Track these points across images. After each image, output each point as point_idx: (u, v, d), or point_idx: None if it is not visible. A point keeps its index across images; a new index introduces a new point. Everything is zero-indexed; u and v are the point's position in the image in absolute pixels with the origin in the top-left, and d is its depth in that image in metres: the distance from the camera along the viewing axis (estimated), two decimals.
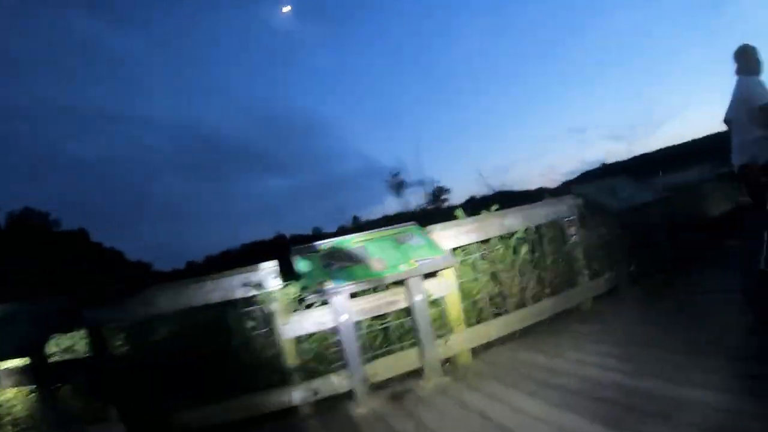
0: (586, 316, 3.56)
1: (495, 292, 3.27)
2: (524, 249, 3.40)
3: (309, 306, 2.68)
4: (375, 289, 2.78)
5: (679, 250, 4.79)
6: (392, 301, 2.80)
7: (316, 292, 2.48)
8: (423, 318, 2.77)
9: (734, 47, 3.41)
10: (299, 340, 2.71)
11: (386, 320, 3.01)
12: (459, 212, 3.36)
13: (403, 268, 2.60)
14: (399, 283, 2.74)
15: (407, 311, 2.83)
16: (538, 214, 3.55)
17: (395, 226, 3.08)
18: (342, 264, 2.68)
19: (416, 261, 2.68)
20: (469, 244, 3.21)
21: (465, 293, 3.14)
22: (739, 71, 3.38)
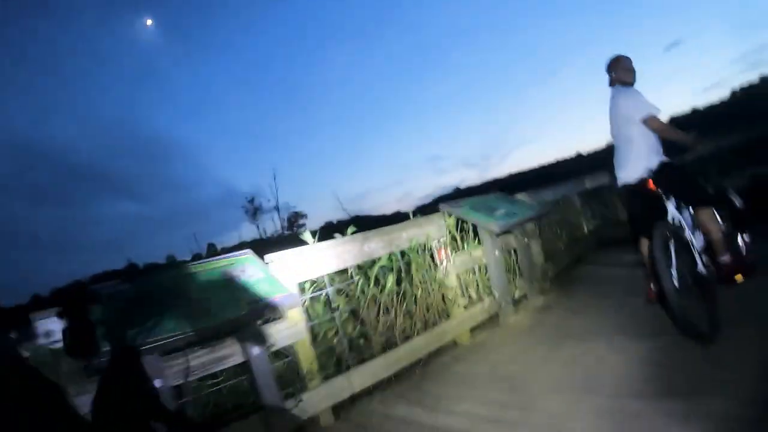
0: (465, 352, 3.72)
1: (356, 334, 3.23)
2: (390, 279, 3.44)
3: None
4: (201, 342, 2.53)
5: (560, 270, 5.40)
6: (223, 356, 2.59)
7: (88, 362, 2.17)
8: (264, 375, 2.61)
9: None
10: None
11: (220, 380, 2.77)
12: (307, 235, 3.26)
13: (231, 314, 2.40)
14: (232, 331, 2.53)
15: (246, 366, 2.62)
16: (404, 237, 3.64)
17: (225, 256, 2.88)
18: (150, 311, 2.39)
19: (250, 302, 2.49)
20: (321, 276, 3.13)
21: (319, 338, 3.04)
22: (613, 82, 3.67)
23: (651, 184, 3.24)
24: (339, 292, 3.27)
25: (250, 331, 2.59)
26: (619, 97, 3.49)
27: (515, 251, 4.83)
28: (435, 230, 3.94)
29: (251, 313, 2.50)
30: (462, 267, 4.07)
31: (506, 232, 4.23)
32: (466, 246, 4.26)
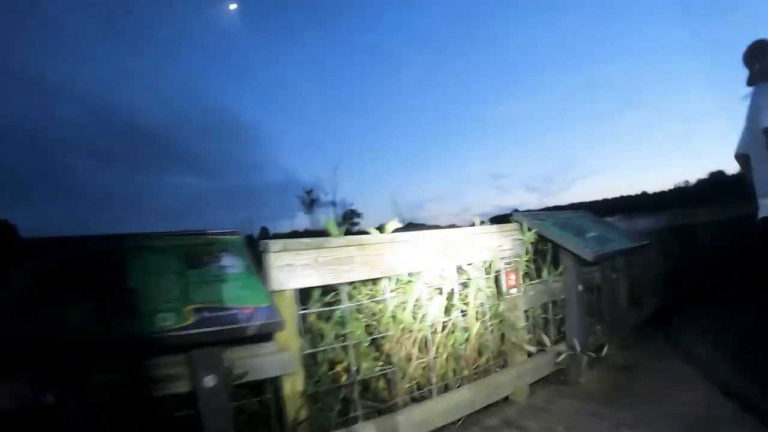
0: (520, 416, 2.70)
1: (376, 372, 2.24)
2: (437, 302, 2.43)
3: None
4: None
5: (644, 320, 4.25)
6: (165, 376, 1.64)
7: None
8: (217, 417, 1.64)
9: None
10: None
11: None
12: (330, 224, 2.27)
13: (168, 323, 1.44)
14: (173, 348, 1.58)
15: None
16: (465, 247, 2.62)
17: (209, 231, 1.95)
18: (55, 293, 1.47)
19: (197, 309, 1.52)
20: (340, 284, 2.16)
21: (320, 370, 2.08)
22: (756, 78, 2.68)
23: None
24: (359, 311, 2.28)
25: (200, 354, 1.64)
26: (762, 96, 2.51)
27: (598, 289, 3.74)
28: (507, 246, 2.89)
29: (200, 331, 1.53)
30: (534, 300, 2.99)
31: (594, 262, 3.13)
32: (544, 273, 3.17)
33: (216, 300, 1.57)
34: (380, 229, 2.52)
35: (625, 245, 3.51)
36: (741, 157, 2.87)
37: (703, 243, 6.02)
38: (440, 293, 2.48)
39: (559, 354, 3.04)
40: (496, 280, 2.78)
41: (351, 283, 2.24)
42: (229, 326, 1.52)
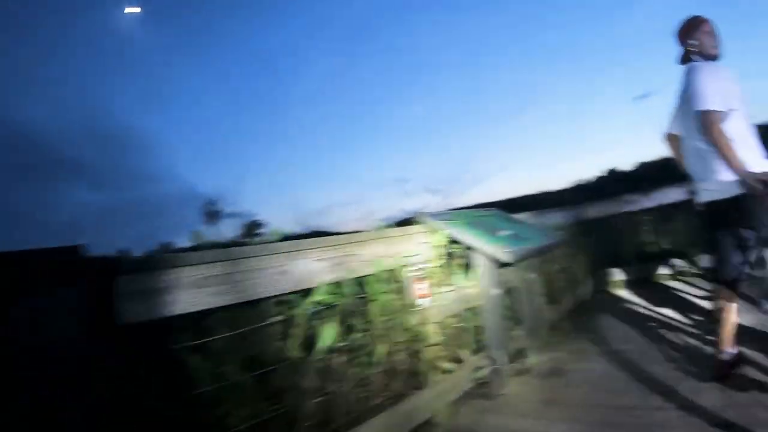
0: None
1: (266, 416, 1.84)
2: (328, 330, 2.06)
3: None
4: None
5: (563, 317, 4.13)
6: None
7: None
8: None
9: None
10: None
11: None
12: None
13: None
14: None
15: None
16: (363, 255, 2.29)
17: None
18: None
19: None
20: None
21: None
22: (687, 56, 2.61)
23: None
24: (235, 344, 1.86)
25: None
26: (694, 74, 2.41)
27: (515, 290, 3.54)
28: (413, 251, 2.58)
29: None
30: (448, 309, 2.70)
31: (510, 263, 2.91)
32: (457, 279, 2.89)
33: None
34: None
35: (541, 243, 3.34)
36: (671, 138, 2.78)
37: (617, 234, 6.12)
38: (336, 313, 2.11)
39: (478, 368, 2.78)
40: (404, 290, 2.46)
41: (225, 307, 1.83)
42: None
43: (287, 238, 2.22)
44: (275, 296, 1.92)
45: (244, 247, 1.89)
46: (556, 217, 4.73)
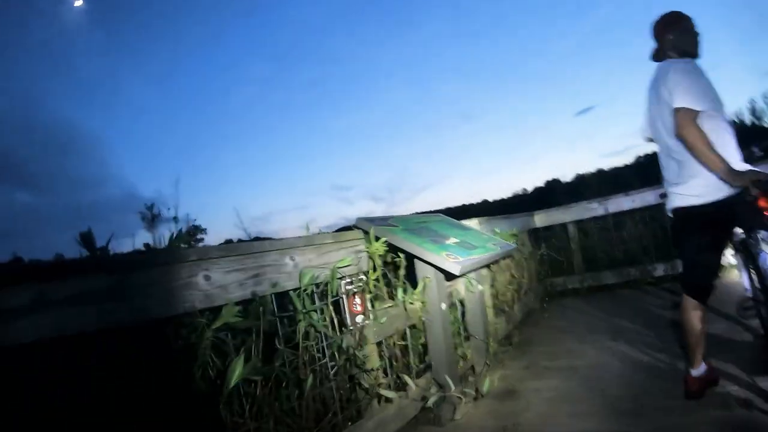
0: None
1: None
2: (237, 364, 1.69)
3: None
4: None
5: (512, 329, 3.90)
6: None
7: None
8: None
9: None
10: None
11: None
12: None
13: None
14: None
15: None
16: (286, 265, 1.93)
17: None
18: None
19: None
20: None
21: None
22: (662, 52, 2.42)
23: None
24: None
25: None
26: (671, 72, 2.20)
27: (461, 303, 3.27)
28: (348, 260, 2.24)
29: None
30: (388, 328, 2.37)
31: (459, 275, 2.62)
32: (398, 293, 2.55)
33: None
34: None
35: (492, 252, 3.07)
36: (650, 139, 2.59)
37: (566, 242, 6.02)
38: (252, 336, 1.73)
39: (425, 392, 2.47)
40: (336, 306, 2.11)
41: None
42: None
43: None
44: (175, 316, 1.53)
45: (136, 256, 1.49)
46: (504, 224, 4.51)
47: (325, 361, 1.99)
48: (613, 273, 5.51)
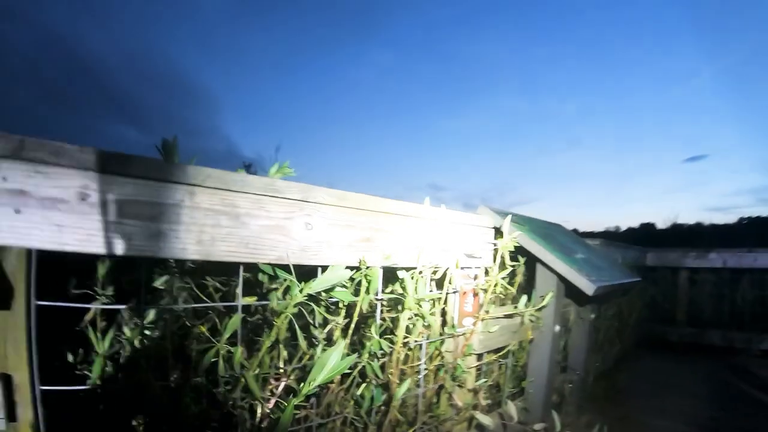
0: None
1: None
2: (336, 350, 1.30)
3: None
4: None
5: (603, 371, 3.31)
6: None
7: None
8: None
9: None
10: None
11: None
12: None
13: None
14: None
15: None
16: (399, 233, 1.49)
17: None
18: None
19: None
20: None
21: None
22: None
23: None
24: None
25: None
26: None
27: (568, 330, 2.73)
28: (473, 249, 1.77)
29: None
30: (496, 340, 1.88)
31: (591, 297, 2.09)
32: (520, 302, 2.04)
33: None
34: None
35: (621, 279, 2.51)
36: None
37: (672, 288, 5.27)
38: (342, 315, 1.31)
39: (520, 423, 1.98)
40: (445, 302, 1.66)
41: None
42: None
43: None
44: (254, 266, 1.15)
45: (222, 172, 1.09)
46: (620, 253, 3.88)
47: (419, 363, 1.55)
48: (718, 334, 4.72)
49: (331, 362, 0.94)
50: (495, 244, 1.79)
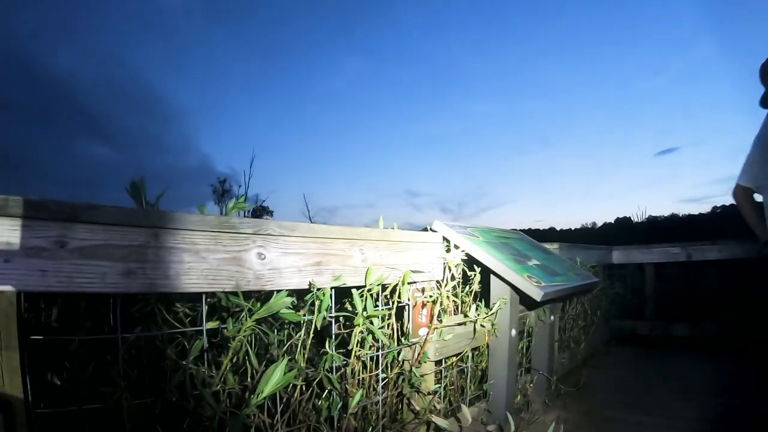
0: None
1: None
2: (277, 367, 1.45)
3: None
4: None
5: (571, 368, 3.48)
6: None
7: None
8: None
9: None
10: None
11: None
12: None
13: None
14: None
15: None
16: (354, 256, 1.66)
17: None
18: None
19: None
20: None
21: None
22: None
23: None
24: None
25: None
26: None
27: (528, 333, 2.91)
28: (423, 265, 1.95)
29: None
30: (452, 347, 2.05)
31: (541, 302, 2.26)
32: (470, 310, 2.21)
33: None
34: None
35: (576, 282, 2.69)
36: (743, 190, 2.26)
37: (639, 283, 5.49)
38: (302, 333, 1.47)
39: (477, 426, 2.14)
40: (398, 314, 1.83)
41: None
42: None
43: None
44: (212, 294, 1.31)
45: (180, 213, 1.25)
46: (583, 255, 4.07)
47: (376, 372, 1.72)
48: (686, 326, 4.93)
49: (275, 377, 1.10)
50: (444, 259, 1.96)
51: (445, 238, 2.12)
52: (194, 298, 1.49)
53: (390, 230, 1.79)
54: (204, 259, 1.20)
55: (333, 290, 1.51)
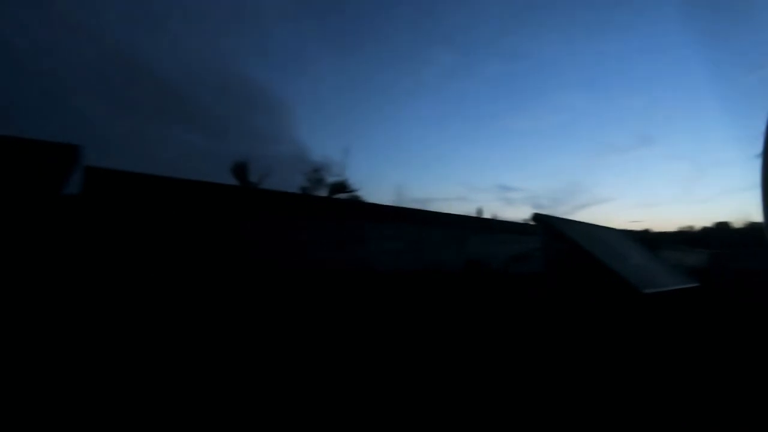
0: None
1: None
2: None
3: None
4: None
5: None
6: None
7: None
8: None
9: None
10: None
11: None
12: None
13: None
14: None
15: None
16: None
17: None
18: None
19: None
20: None
21: None
22: None
23: None
24: None
25: None
26: None
27: None
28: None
29: None
30: None
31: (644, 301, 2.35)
32: None
33: None
34: None
35: (677, 284, 2.72)
36: None
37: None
38: None
39: None
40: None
41: None
42: None
43: None
44: None
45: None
46: (697, 259, 3.96)
47: None
48: None
49: None
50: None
51: (547, 225, 2.29)
52: None
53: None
54: None
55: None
